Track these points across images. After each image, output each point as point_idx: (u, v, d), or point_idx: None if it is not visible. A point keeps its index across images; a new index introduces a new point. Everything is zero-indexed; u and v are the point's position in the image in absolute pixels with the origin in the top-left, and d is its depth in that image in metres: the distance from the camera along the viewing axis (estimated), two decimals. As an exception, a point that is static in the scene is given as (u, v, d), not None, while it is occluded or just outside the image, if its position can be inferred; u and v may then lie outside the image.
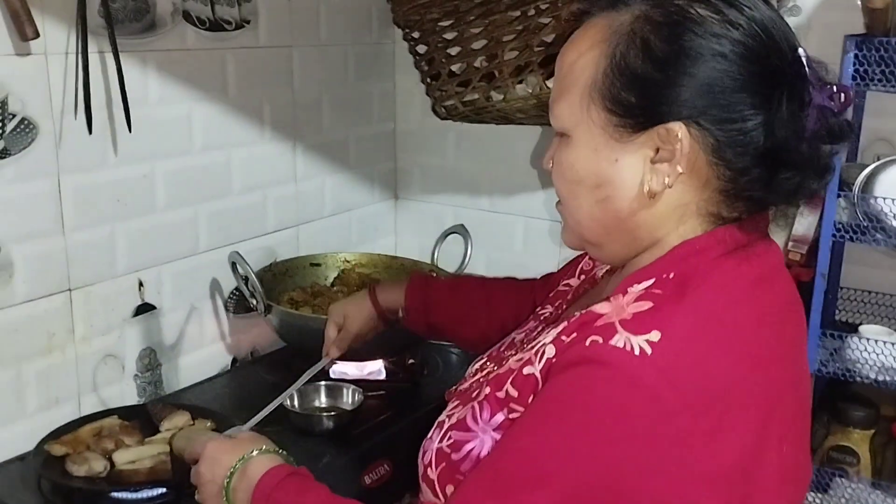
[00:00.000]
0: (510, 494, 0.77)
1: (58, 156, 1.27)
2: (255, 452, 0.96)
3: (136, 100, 1.34)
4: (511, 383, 0.84)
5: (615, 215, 0.84)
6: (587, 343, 0.76)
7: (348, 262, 1.77)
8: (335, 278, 1.74)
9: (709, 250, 0.82)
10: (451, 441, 0.87)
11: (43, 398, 1.32)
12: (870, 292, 1.57)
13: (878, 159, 1.40)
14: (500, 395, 0.85)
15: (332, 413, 1.38)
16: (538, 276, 1.28)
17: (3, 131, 1.20)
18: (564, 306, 1.04)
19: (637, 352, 0.73)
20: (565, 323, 0.85)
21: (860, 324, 1.50)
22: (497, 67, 1.59)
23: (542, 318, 1.05)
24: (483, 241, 1.86)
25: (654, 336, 0.74)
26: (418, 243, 2.02)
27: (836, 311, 1.60)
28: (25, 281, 1.26)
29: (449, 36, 1.65)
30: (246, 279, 1.49)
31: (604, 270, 1.03)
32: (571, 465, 0.75)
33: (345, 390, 1.43)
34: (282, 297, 1.63)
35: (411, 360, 1.61)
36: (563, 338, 0.80)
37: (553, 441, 0.76)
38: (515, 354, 0.93)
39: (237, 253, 1.48)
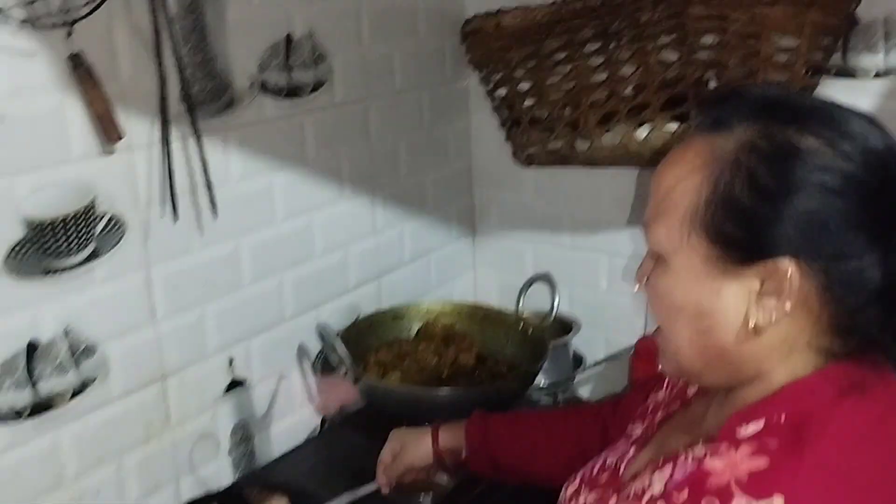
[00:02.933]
0: None
1: (146, 248, 1.26)
2: None
3: (218, 180, 1.32)
4: None
5: (718, 347, 0.80)
6: None
7: (431, 311, 1.73)
8: (418, 331, 1.71)
9: (822, 390, 0.77)
10: None
11: (143, 486, 1.32)
12: None
13: None
14: None
15: (430, 492, 1.35)
16: (609, 399, 1.25)
17: (93, 234, 1.18)
18: (654, 427, 0.99)
19: None
20: (671, 467, 0.80)
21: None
22: (582, 115, 1.52)
23: (631, 439, 1.01)
24: (565, 280, 1.81)
25: (778, 501, 0.69)
26: (498, 280, 1.98)
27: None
28: (121, 376, 1.26)
29: (529, 80, 1.58)
30: (333, 346, 1.47)
31: (694, 389, 0.98)
32: None
33: (441, 462, 1.40)
34: (367, 356, 1.60)
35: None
36: (675, 495, 0.75)
37: None
38: (614, 491, 0.88)
39: (325, 325, 1.46)
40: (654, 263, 0.83)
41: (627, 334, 1.77)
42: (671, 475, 0.79)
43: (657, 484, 0.79)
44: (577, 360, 1.80)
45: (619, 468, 0.95)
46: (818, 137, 0.73)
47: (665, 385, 1.04)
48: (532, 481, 1.23)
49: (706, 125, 0.80)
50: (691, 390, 0.98)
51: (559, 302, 1.70)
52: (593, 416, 1.21)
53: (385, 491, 1.27)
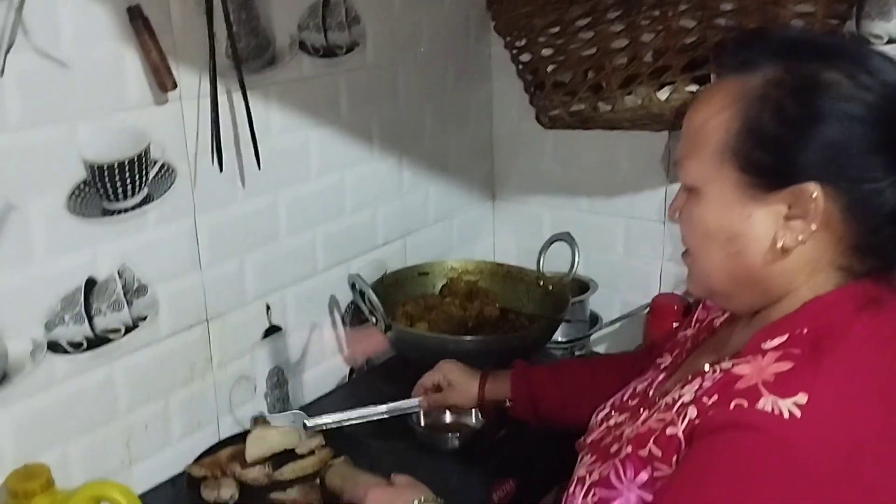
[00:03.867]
0: None
1: (193, 196, 1.32)
2: (416, 503, 1.01)
3: (260, 133, 1.38)
4: (654, 443, 0.86)
5: (747, 268, 0.87)
6: (732, 406, 0.78)
7: (454, 269, 1.80)
8: (443, 286, 1.78)
9: (841, 305, 0.84)
10: (596, 498, 0.91)
11: (187, 424, 1.39)
12: None
13: None
14: (643, 453, 0.87)
15: (458, 433, 1.42)
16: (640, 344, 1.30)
17: (147, 179, 1.25)
18: (683, 355, 1.06)
19: (787, 415, 0.75)
20: (700, 380, 0.86)
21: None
22: (604, 78, 1.58)
23: (661, 367, 1.08)
24: (582, 243, 1.86)
25: (802, 398, 0.76)
26: (516, 244, 2.05)
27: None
28: (169, 317, 1.33)
29: (553, 45, 1.64)
30: (364, 295, 1.54)
31: (721, 319, 1.05)
32: None
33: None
34: (395, 309, 1.67)
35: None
36: (705, 399, 0.82)
37: None
38: (645, 409, 0.95)
39: (358, 275, 1.52)
40: (687, 196, 0.90)
41: (642, 295, 1.84)
42: (700, 386, 0.85)
43: (687, 395, 0.86)
44: (593, 320, 1.87)
45: (649, 392, 1.02)
46: (840, 71, 0.80)
47: (693, 322, 1.11)
48: (572, 427, 1.29)
49: (733, 67, 0.87)
50: (718, 321, 1.05)
51: (578, 261, 1.77)
52: (632, 363, 1.27)
53: (424, 407, 1.38)
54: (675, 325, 1.59)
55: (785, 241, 0.83)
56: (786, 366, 0.79)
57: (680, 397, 0.87)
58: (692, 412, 0.82)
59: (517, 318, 1.67)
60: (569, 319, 1.63)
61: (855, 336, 0.81)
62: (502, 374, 1.34)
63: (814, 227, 0.82)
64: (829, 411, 0.76)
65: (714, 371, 0.85)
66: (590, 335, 1.82)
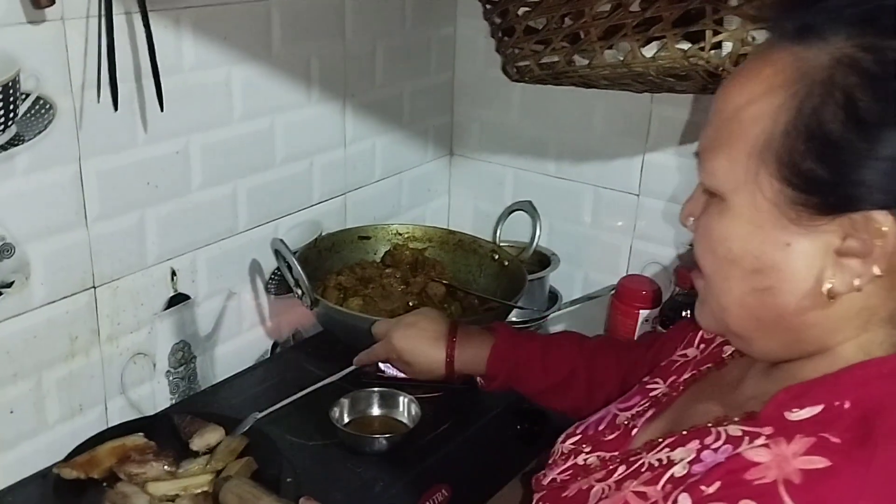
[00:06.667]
0: None
1: (79, 138, 1.09)
2: None
3: (167, 67, 1.15)
4: None
5: (776, 311, 0.66)
6: None
7: (400, 234, 1.59)
8: (385, 254, 1.57)
9: None
10: None
11: (66, 407, 1.18)
12: None
13: None
14: None
15: (387, 435, 1.23)
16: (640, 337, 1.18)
17: (16, 115, 1.01)
18: (681, 387, 0.86)
19: None
20: (697, 444, 0.67)
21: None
22: (583, 27, 1.36)
23: (651, 395, 0.88)
24: (546, 211, 1.67)
25: None
26: (473, 206, 1.84)
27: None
28: (44, 282, 1.10)
29: (527, -16, 1.42)
30: (290, 267, 1.33)
31: (733, 349, 0.84)
32: None
33: (400, 399, 1.28)
34: (327, 279, 1.46)
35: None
36: (703, 488, 0.62)
37: None
38: (623, 463, 0.76)
39: (281, 241, 1.30)
40: (707, 201, 0.69)
41: (609, 273, 1.66)
42: (697, 455, 0.66)
43: (679, 463, 0.67)
44: (553, 297, 1.68)
45: (631, 430, 0.82)
46: None
47: (696, 342, 0.91)
48: (554, 410, 1.16)
49: (789, 33, 0.64)
50: (727, 349, 0.85)
51: (539, 235, 1.57)
52: (634, 354, 1.08)
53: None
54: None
55: (835, 284, 0.63)
56: (819, 462, 0.59)
57: (670, 464, 0.68)
58: (684, 501, 0.63)
59: (465, 298, 1.47)
60: (522, 307, 1.43)
61: None
62: (475, 341, 1.11)
63: (877, 270, 0.62)
64: None
65: (718, 436, 0.66)
66: (546, 316, 1.63)
